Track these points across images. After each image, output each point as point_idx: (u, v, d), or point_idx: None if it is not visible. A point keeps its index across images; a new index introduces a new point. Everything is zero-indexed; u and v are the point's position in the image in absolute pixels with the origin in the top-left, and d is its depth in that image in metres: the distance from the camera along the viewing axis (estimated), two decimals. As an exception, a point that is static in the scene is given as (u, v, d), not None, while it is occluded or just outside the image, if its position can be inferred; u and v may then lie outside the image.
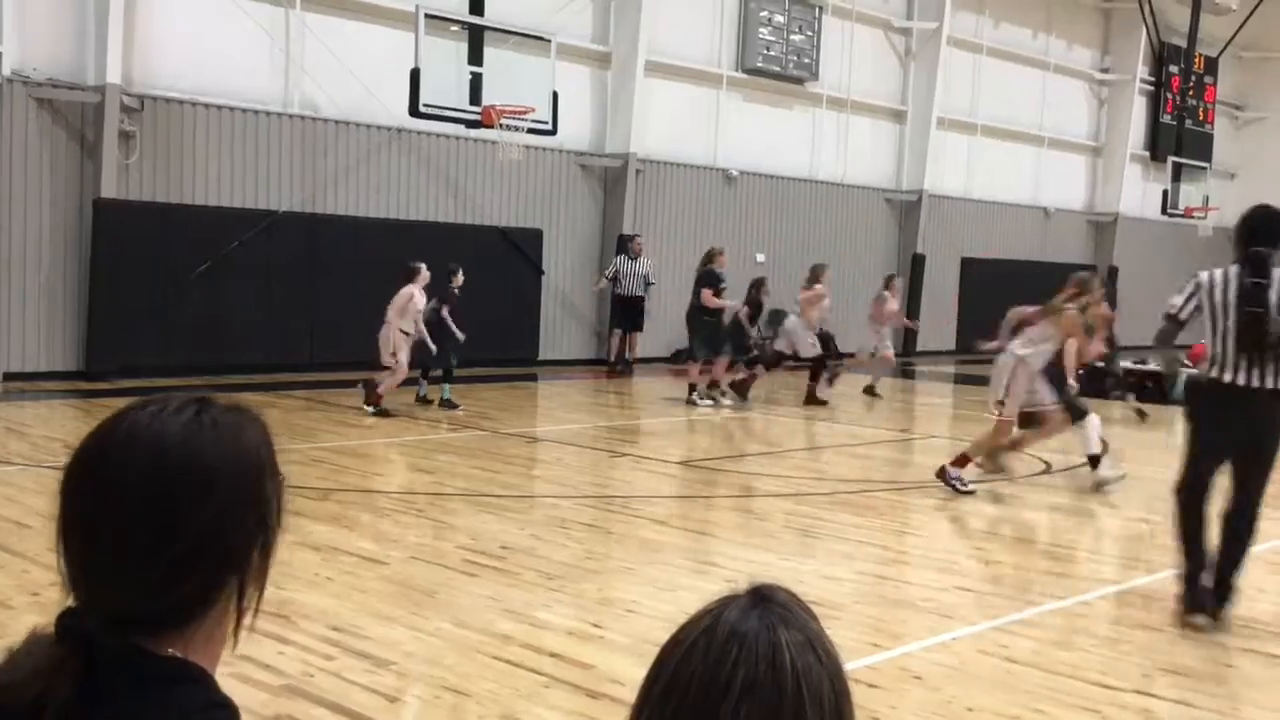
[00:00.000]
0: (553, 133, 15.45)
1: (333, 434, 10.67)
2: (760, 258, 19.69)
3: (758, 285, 14.99)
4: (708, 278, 13.83)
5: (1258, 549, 7.37)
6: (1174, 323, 5.75)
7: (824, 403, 14.07)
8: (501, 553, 6.54)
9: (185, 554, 1.14)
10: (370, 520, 7.33)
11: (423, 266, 12.11)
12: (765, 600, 1.10)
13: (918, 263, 22.62)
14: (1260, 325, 5.33)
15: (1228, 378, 5.47)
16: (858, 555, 7.02)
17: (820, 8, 20.50)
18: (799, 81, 20.54)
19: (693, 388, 13.75)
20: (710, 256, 14.12)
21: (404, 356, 11.96)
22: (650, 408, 14.40)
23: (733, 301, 14.17)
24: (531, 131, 15.12)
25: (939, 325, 23.04)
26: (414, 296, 11.97)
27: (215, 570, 1.17)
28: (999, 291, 23.81)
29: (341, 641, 4.89)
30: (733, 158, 19.78)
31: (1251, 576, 6.70)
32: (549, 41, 15.46)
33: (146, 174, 13.76)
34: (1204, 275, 5.67)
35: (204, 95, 14.10)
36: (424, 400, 12.72)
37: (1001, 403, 9.04)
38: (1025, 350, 8.89)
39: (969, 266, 23.85)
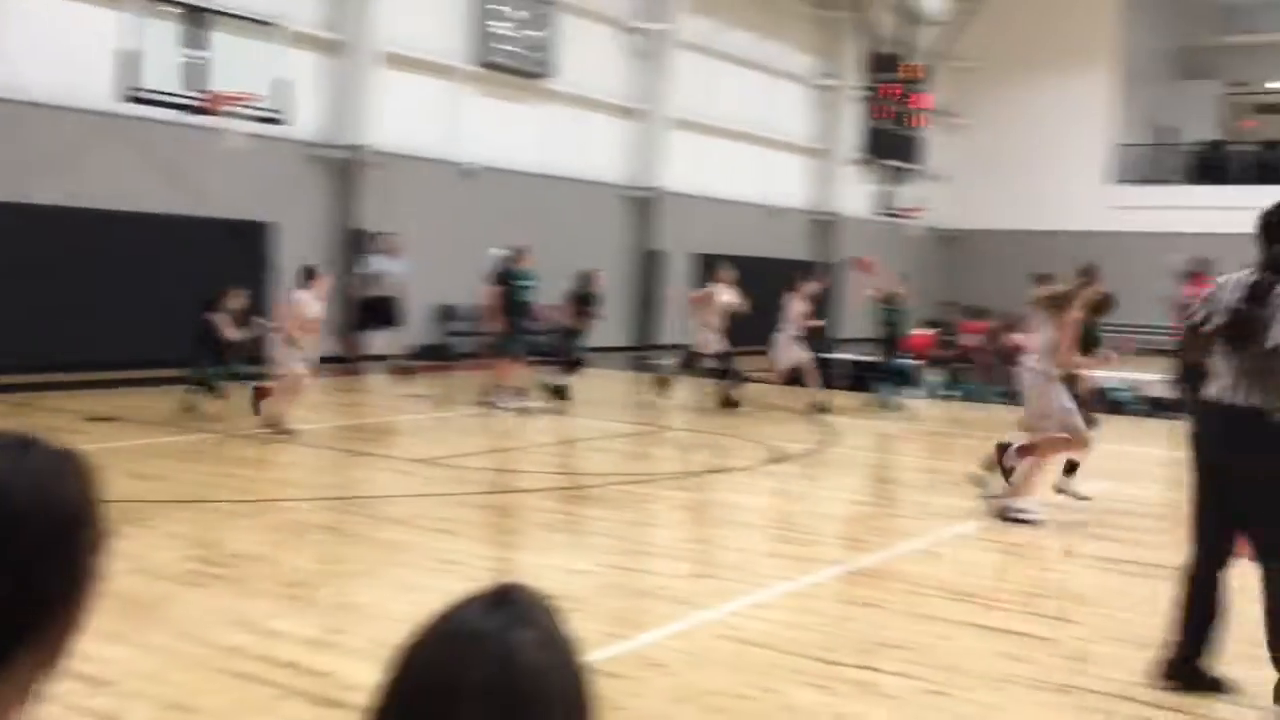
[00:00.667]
0: (281, 122, 14.89)
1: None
2: (497, 253, 19.60)
3: (587, 279, 14.76)
4: (498, 278, 13.45)
5: (966, 526, 7.94)
6: (1192, 333, 4.83)
7: (737, 404, 14.07)
8: (232, 561, 6.25)
9: None
10: (85, 532, 6.84)
11: (319, 269, 11.28)
12: (504, 600, 1.09)
13: (653, 259, 23.14)
14: (1246, 324, 4.48)
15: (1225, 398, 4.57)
16: (600, 548, 7.11)
17: (555, 5, 20.62)
18: (536, 77, 20.60)
19: (497, 390, 13.30)
20: (511, 256, 13.60)
21: (300, 368, 10.95)
22: (391, 406, 14.11)
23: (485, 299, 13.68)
24: (259, 120, 14.53)
25: (673, 319, 23.63)
26: (312, 303, 11.00)
27: (12, 626, 1.05)
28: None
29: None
30: (470, 152, 19.63)
31: (960, 552, 7.21)
32: (275, 27, 14.89)
33: None
34: (1221, 278, 4.86)
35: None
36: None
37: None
38: (1044, 365, 8.08)
39: (701, 262, 24.56)
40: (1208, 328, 4.64)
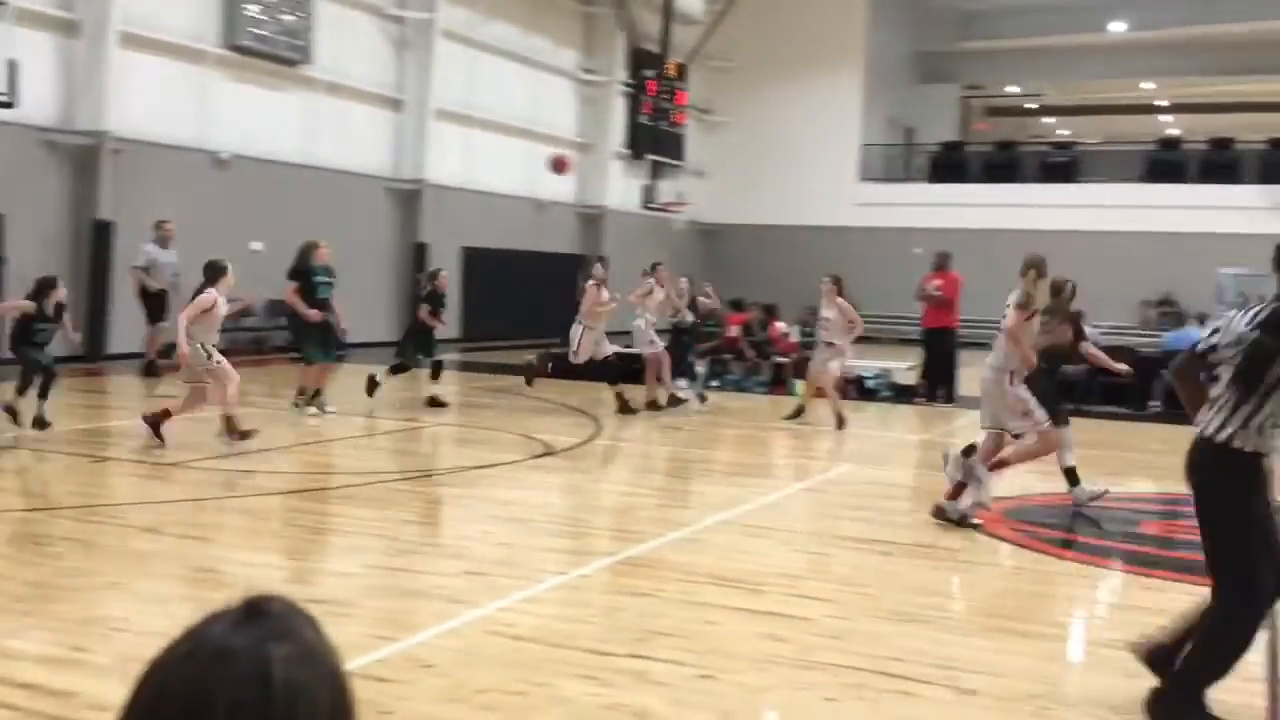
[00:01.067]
0: (11, 105, 13.86)
1: None
2: (257, 246, 18.87)
3: (433, 276, 14.07)
4: (292, 273, 12.67)
5: (731, 513, 8.15)
6: (1190, 355, 4.61)
7: (684, 400, 13.98)
8: (-42, 578, 5.76)
9: None
10: None
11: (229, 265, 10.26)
12: (256, 613, 1.03)
13: (419, 252, 22.77)
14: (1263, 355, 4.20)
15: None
16: (367, 549, 6.92)
17: (312, -11, 19.98)
18: (292, 64, 19.89)
19: (302, 392, 12.52)
20: (306, 251, 12.74)
21: (227, 365, 10.07)
22: (135, 407, 13.34)
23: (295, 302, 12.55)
24: (-15, 103, 13.50)
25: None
26: (217, 302, 10.10)
27: None
28: (499, 280, 24.70)
29: None
30: (224, 140, 18.78)
31: (725, 539, 7.40)
32: (3, 4, 13.84)
33: None
34: (1230, 312, 4.63)
35: None
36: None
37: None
38: (999, 361, 8.12)
39: (470, 255, 24.36)
40: (1215, 357, 4.42)
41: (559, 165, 14.91)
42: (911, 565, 6.90)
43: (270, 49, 19.28)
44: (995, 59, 36.80)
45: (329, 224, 20.38)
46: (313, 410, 12.26)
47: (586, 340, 13.59)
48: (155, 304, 15.25)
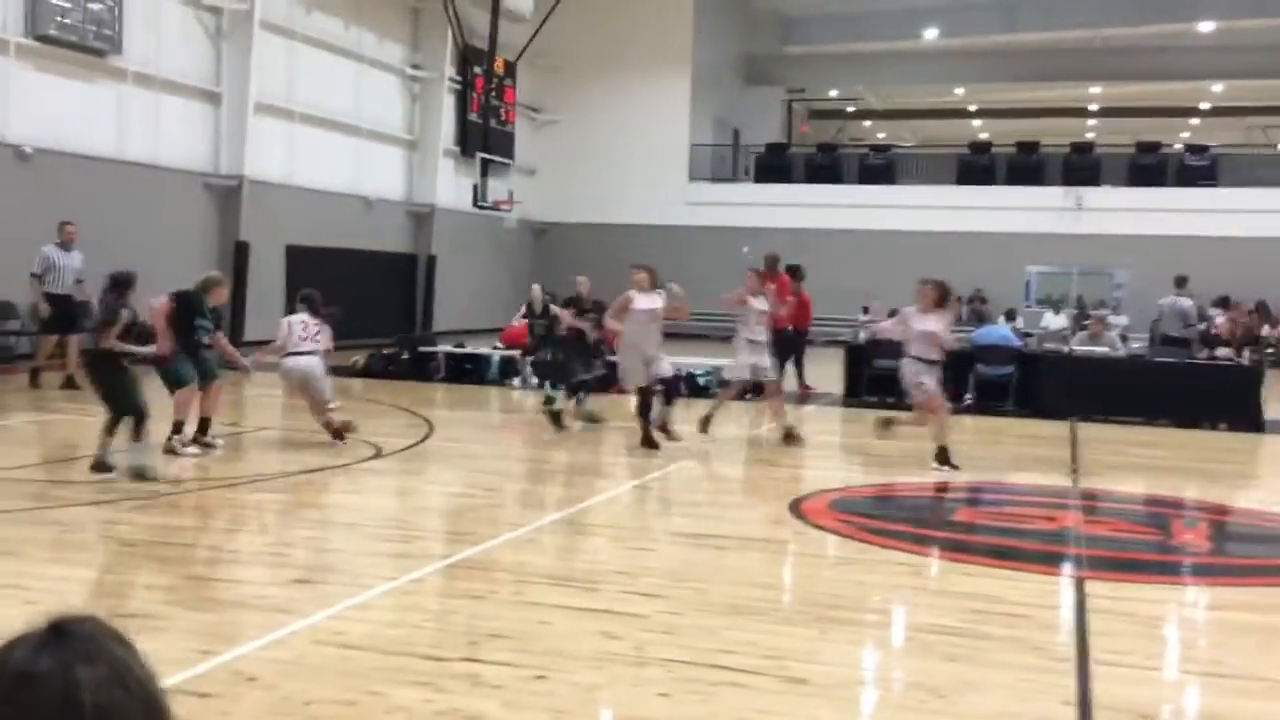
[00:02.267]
0: None
1: None
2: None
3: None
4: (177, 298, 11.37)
5: (563, 512, 8.15)
6: None
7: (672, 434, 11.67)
8: None
9: None
10: None
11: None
12: (64, 635, 0.97)
13: (240, 250, 22.04)
14: None
15: None
16: (185, 559, 6.66)
17: (122, -24, 19.11)
18: (100, 54, 18.99)
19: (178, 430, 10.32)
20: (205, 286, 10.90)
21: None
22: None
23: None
24: None
25: (266, 314, 22.64)
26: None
27: None
28: (325, 279, 24.08)
29: None
30: (26, 133, 17.79)
31: (559, 538, 7.39)
32: None
33: None
34: None
35: None
36: None
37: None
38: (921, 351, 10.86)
39: (294, 254, 23.71)
40: None
41: None
42: (743, 558, 7.03)
43: (77, 38, 18.34)
44: (817, 63, 37.81)
45: (142, 221, 19.58)
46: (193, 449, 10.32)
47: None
48: (59, 310, 14.36)
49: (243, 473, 9.59)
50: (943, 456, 10.62)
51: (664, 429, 11.43)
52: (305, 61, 24.09)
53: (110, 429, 8.91)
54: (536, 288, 15.25)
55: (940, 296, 10.93)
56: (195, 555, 6.81)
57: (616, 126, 32.58)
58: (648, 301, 11.60)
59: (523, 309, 17.50)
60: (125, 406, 8.88)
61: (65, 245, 14.70)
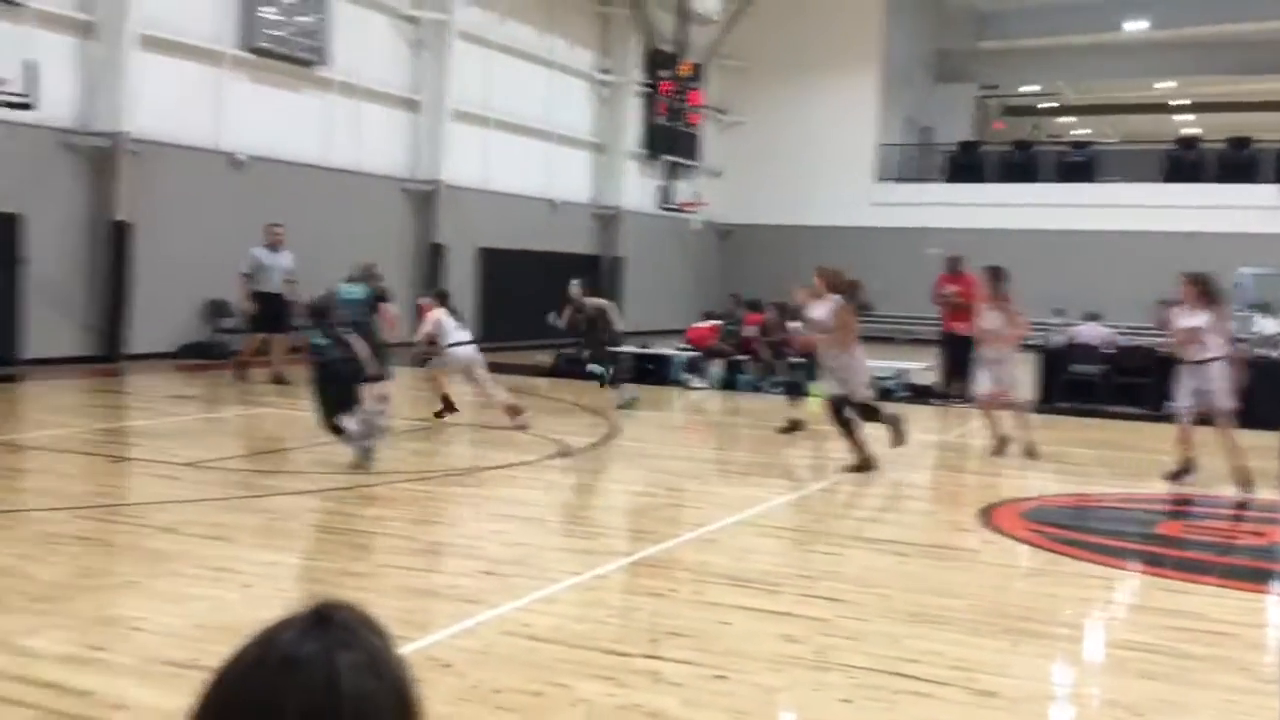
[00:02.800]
0: (31, 107, 13.94)
1: None
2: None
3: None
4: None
5: (746, 513, 8.15)
6: None
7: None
8: (-22, 577, 5.80)
9: None
10: None
11: None
12: (324, 621, 1.04)
13: (436, 252, 22.82)
14: None
15: None
16: (382, 548, 6.94)
17: (329, -10, 20.04)
18: (308, 64, 19.96)
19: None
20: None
21: None
22: (155, 408, 13.42)
23: None
24: (5, 105, 13.56)
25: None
26: None
27: None
28: (514, 280, 24.73)
29: None
30: (240, 141, 18.85)
31: (740, 539, 7.39)
32: (21, 5, 13.92)
33: None
34: None
35: None
36: None
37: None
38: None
39: (485, 256, 24.39)
40: None
41: None
42: (928, 566, 6.89)
43: (287, 50, 19.34)
44: (1012, 58, 36.68)
45: (344, 225, 20.48)
46: None
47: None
48: (266, 309, 15.13)
49: (435, 466, 9.92)
50: (1243, 477, 9.38)
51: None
52: (499, 69, 24.76)
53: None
54: (575, 284, 15.02)
55: (1203, 291, 9.81)
56: (390, 545, 7.09)
57: (803, 127, 32.33)
58: (818, 310, 10.71)
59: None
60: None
61: (273, 247, 15.48)
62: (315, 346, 9.67)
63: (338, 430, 9.33)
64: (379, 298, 11.81)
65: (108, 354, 16.23)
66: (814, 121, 32.26)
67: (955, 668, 4.92)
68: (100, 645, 4.86)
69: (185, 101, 18.01)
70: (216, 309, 18.06)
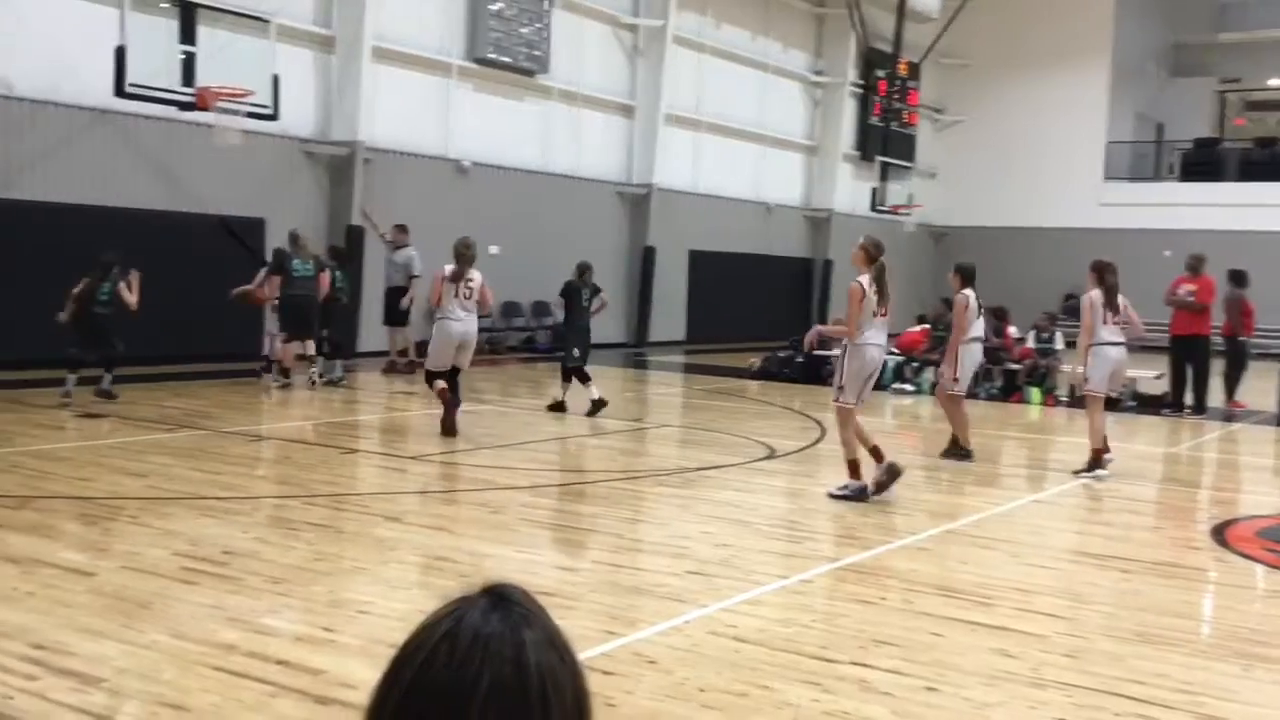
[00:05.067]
0: (274, 118, 14.85)
1: (31, 437, 9.89)
2: (494, 250, 19.59)
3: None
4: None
5: (957, 523, 7.95)
6: None
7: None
8: (223, 558, 6.23)
9: None
10: (76, 529, 6.83)
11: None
12: (504, 600, 1.08)
13: (648, 255, 23.13)
14: None
15: None
16: (592, 545, 7.10)
17: (550, 0, 20.59)
18: (530, 74, 20.57)
19: (271, 366, 14.20)
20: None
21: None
22: (379, 403, 14.08)
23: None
24: (251, 116, 14.49)
25: (669, 316, 23.67)
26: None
27: None
28: (724, 283, 24.84)
29: (45, 660, 4.53)
30: (465, 148, 19.59)
31: (952, 549, 7.22)
32: (267, 22, 14.86)
33: None
34: None
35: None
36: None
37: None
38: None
39: (696, 259, 24.57)
40: None
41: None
42: (1153, 584, 6.56)
43: (510, 60, 19.99)
44: (1256, 50, 34.41)
45: (562, 228, 21.02)
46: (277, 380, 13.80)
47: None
48: (390, 302, 16.08)
49: (644, 467, 10.06)
50: None
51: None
52: (712, 73, 24.91)
53: None
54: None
55: None
56: (601, 541, 7.23)
57: (1025, 125, 31.25)
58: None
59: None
60: None
61: (395, 246, 16.30)
62: None
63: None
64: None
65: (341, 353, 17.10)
66: (1037, 119, 31.12)
67: (1181, 691, 4.67)
68: (330, 627, 5.15)
69: (415, 111, 18.84)
70: (538, 310, 18.81)
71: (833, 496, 8.60)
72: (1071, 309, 29.15)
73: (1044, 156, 30.94)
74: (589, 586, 6.05)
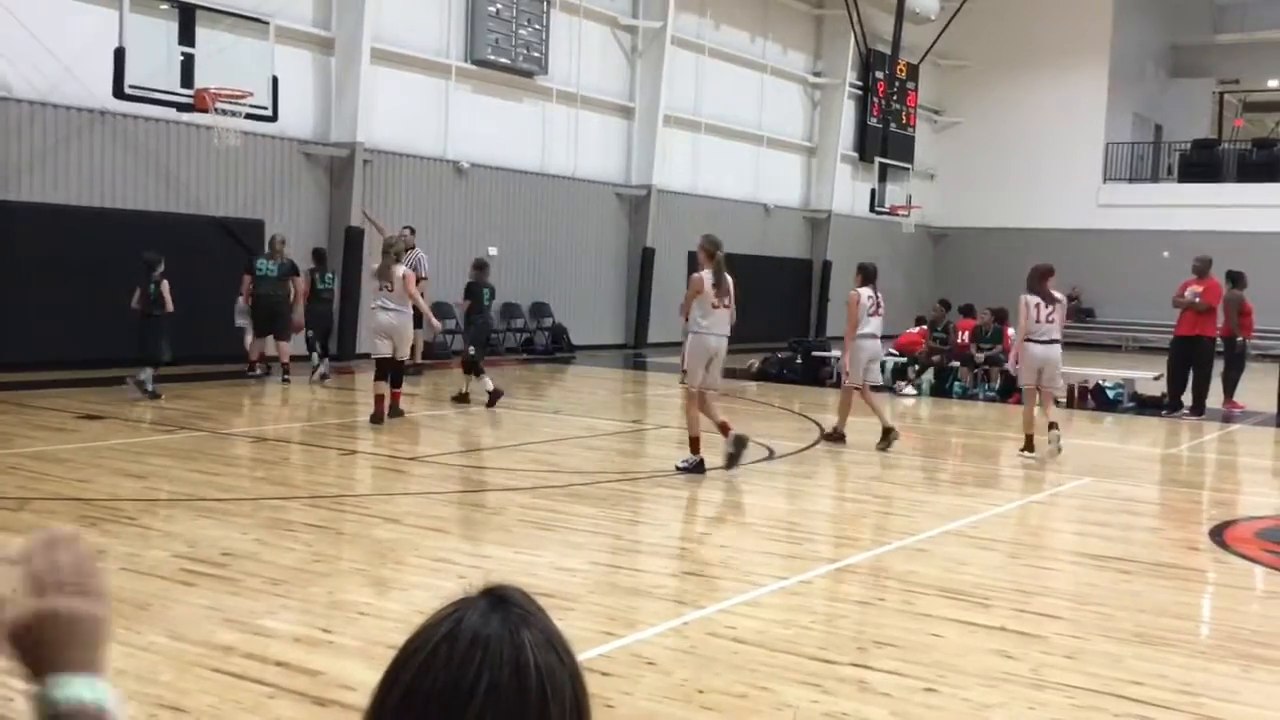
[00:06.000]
0: (273, 119, 14.86)
1: (30, 439, 9.88)
2: (493, 251, 19.61)
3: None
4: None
5: (957, 524, 7.95)
6: None
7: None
8: (222, 560, 6.22)
9: None
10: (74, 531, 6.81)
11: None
12: (503, 601, 1.08)
13: (647, 256, 23.13)
14: None
15: None
16: (591, 546, 7.09)
17: (548, 2, 20.59)
18: (528, 75, 20.57)
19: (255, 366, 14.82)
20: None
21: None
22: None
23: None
24: (250, 117, 14.49)
25: (668, 317, 23.65)
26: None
27: None
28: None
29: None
30: (464, 150, 19.60)
31: (951, 550, 7.21)
32: (267, 24, 14.86)
33: None
34: None
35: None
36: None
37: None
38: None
39: (695, 260, 24.53)
40: None
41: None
42: (1152, 585, 6.56)
43: (509, 61, 19.99)
44: (1254, 51, 34.47)
45: (561, 230, 21.02)
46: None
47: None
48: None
49: (642, 468, 10.06)
50: None
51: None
52: (710, 74, 24.92)
53: None
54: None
55: None
56: (600, 542, 7.23)
57: (1024, 126, 31.27)
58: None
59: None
60: None
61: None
62: None
63: None
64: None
65: (339, 353, 17.09)
66: (1036, 120, 31.15)
67: (1181, 692, 4.67)
68: (329, 628, 5.14)
69: (414, 112, 18.84)
70: (438, 310, 18.78)
71: (678, 469, 9.36)
72: (1071, 310, 29.22)
73: (1042, 157, 30.96)
74: (587, 587, 6.05)
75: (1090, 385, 15.94)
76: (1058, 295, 11.03)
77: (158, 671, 4.51)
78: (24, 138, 14.07)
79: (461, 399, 13.27)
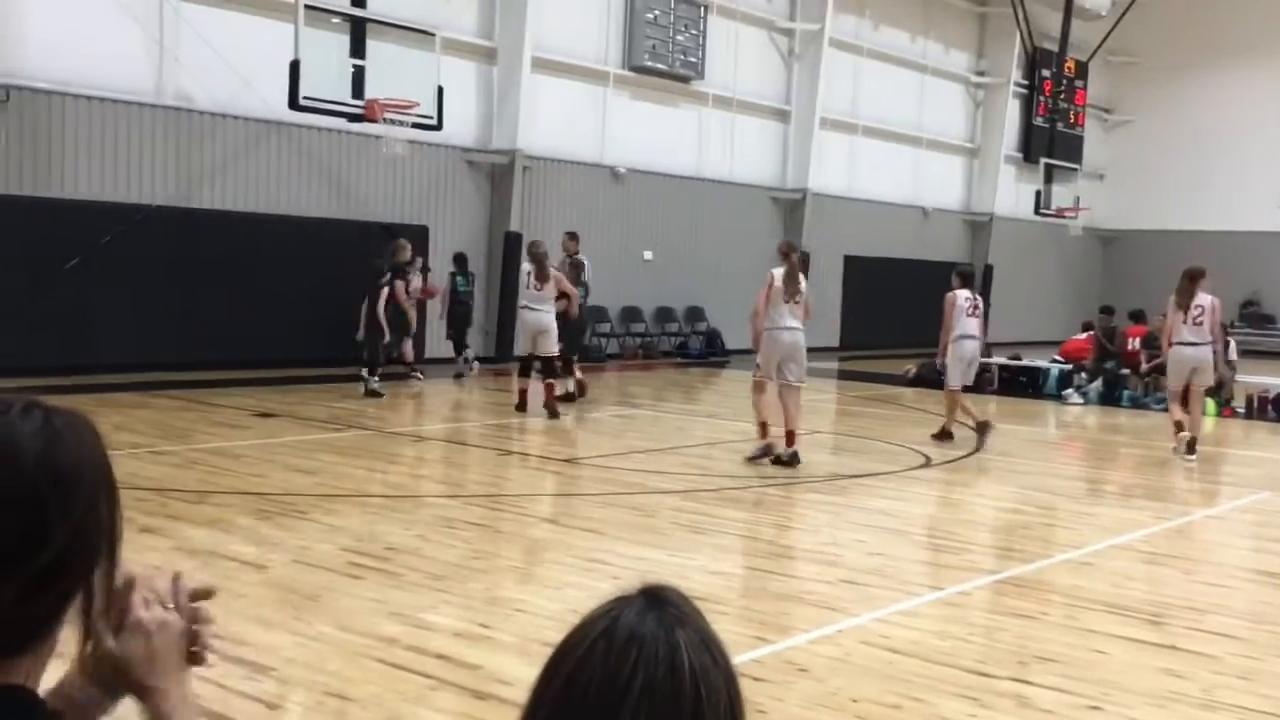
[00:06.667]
0: (438, 128, 15.28)
1: (209, 435, 10.39)
2: (648, 255, 19.77)
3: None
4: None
5: (1125, 538, 7.67)
6: None
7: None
8: (386, 554, 6.44)
9: (45, 567, 1.08)
10: (249, 523, 7.15)
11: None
12: (660, 601, 1.09)
13: (803, 260, 22.92)
14: None
15: None
16: (743, 550, 7.09)
17: (705, 7, 20.66)
18: (685, 80, 20.66)
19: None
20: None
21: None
22: (533, 406, 14.29)
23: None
24: (416, 126, 14.95)
25: (823, 321, 23.41)
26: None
27: (69, 584, 1.11)
28: (880, 288, 24.46)
29: (219, 648, 4.74)
30: (620, 155, 19.80)
31: (1119, 564, 6.96)
32: (433, 36, 15.29)
33: (12, 166, 13.24)
34: None
35: (72, 86, 13.61)
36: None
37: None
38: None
39: (851, 264, 24.27)
40: None
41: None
42: (1338, 608, 6.20)
43: (666, 67, 20.12)
44: None
45: (715, 234, 21.04)
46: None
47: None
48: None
49: (797, 473, 9.99)
50: None
51: None
52: (870, 75, 24.60)
53: None
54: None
55: None
56: (753, 547, 7.22)
57: (1198, 124, 29.93)
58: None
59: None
60: None
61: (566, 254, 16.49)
62: None
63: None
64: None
65: (496, 356, 17.47)
66: (1214, 118, 29.77)
67: (1369, 722, 4.41)
68: (487, 623, 5.27)
69: (572, 119, 19.13)
70: (595, 314, 19.00)
71: (747, 459, 9.88)
72: (1250, 316, 27.84)
73: (1219, 157, 29.58)
74: (740, 592, 6.04)
75: (1271, 395, 15.17)
76: (1202, 300, 11.19)
77: (326, 660, 4.70)
78: (205, 148, 14.80)
79: (567, 398, 13.38)
